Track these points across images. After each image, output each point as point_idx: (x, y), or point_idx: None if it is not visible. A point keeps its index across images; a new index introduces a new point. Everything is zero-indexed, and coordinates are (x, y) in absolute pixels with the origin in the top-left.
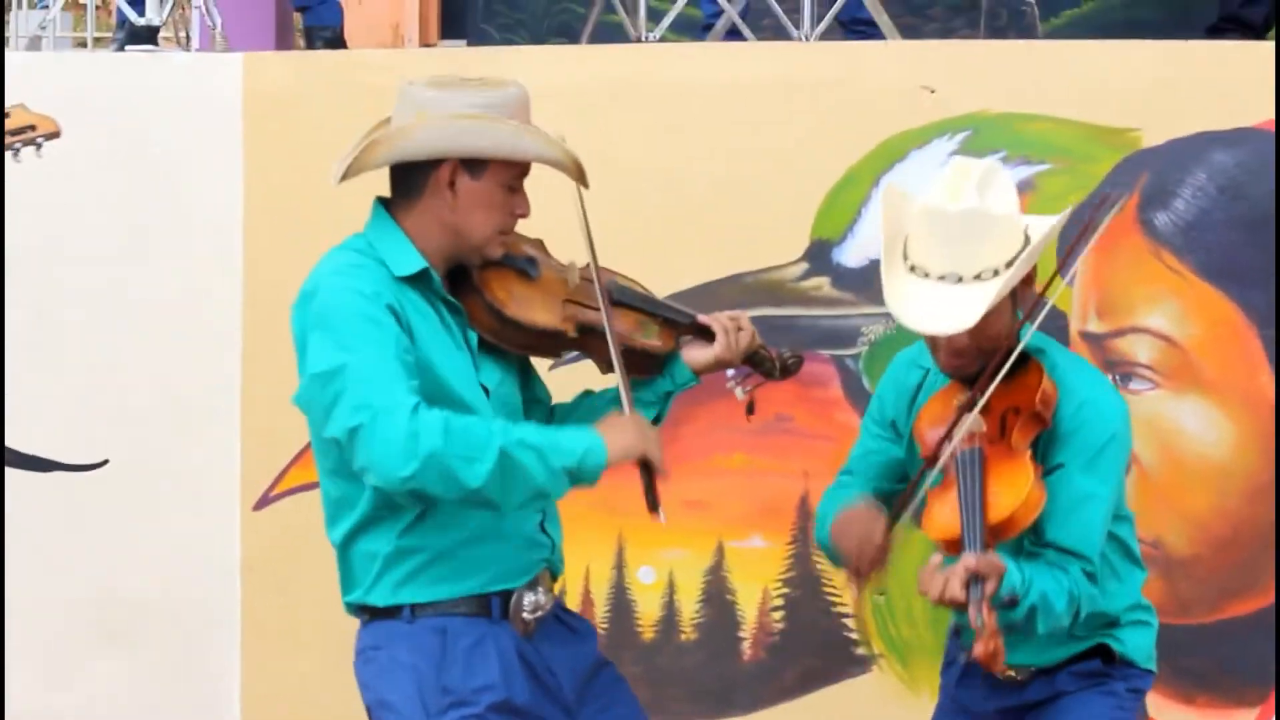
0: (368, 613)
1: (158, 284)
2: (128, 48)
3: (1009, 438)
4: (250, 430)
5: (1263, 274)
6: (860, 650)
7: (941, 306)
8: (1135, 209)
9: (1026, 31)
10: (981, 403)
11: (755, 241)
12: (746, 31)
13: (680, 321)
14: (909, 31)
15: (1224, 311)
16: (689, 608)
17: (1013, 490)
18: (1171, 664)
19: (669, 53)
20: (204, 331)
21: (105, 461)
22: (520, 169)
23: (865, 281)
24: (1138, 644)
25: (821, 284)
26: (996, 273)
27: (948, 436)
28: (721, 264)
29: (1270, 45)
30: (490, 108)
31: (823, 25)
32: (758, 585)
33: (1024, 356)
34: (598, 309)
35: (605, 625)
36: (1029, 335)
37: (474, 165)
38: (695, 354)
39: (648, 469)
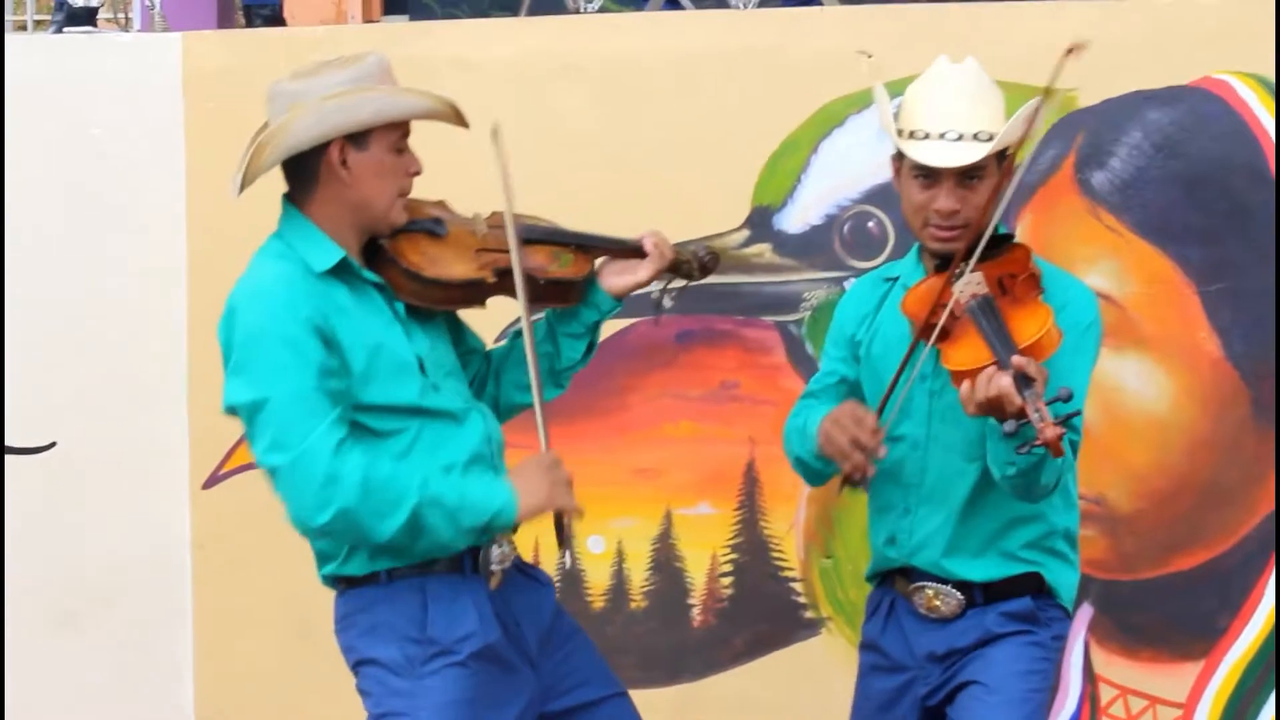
0: (344, 582)
1: (102, 265)
2: (66, 29)
3: (1013, 294)
4: (198, 408)
5: (1199, 230)
6: (809, 614)
7: (951, 152)
8: (1072, 168)
9: None
10: (972, 266)
11: (696, 210)
12: (685, 1)
13: (607, 245)
14: None
15: (1162, 269)
16: (638, 576)
17: (1034, 321)
18: (1116, 619)
19: (607, 23)
20: (149, 311)
21: (53, 444)
22: (403, 130)
23: (807, 247)
24: (1065, 582)
25: (763, 250)
26: (991, 137)
27: (940, 299)
28: (663, 232)
29: (1205, 3)
30: (355, 81)
31: None
32: (706, 552)
33: (1008, 239)
34: (507, 251)
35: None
36: (1001, 206)
37: (358, 139)
38: (616, 279)
39: (559, 518)
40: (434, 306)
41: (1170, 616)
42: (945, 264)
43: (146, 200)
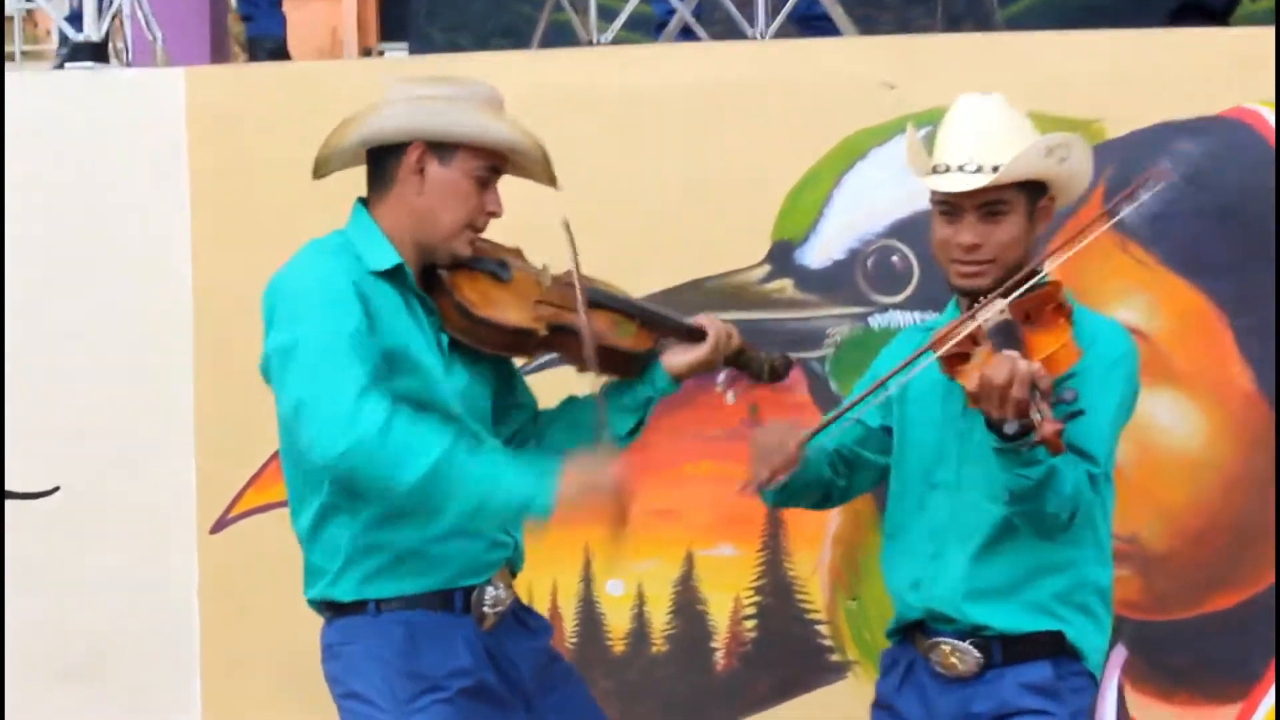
0: (331, 609)
1: (107, 304)
2: (68, 65)
3: (1035, 321)
4: (205, 452)
5: (1230, 263)
6: (834, 657)
7: (959, 181)
8: (1100, 201)
9: (984, 19)
10: (1011, 299)
11: (716, 246)
12: (700, 30)
13: (667, 324)
14: (864, 23)
15: (1193, 302)
16: (659, 619)
17: (1050, 337)
18: (1150, 661)
19: (621, 56)
20: (154, 352)
21: (56, 488)
22: (490, 162)
23: (829, 282)
24: (1093, 645)
25: (785, 286)
26: None
27: (968, 320)
28: (682, 270)
29: (1232, 31)
30: (465, 98)
31: (777, 22)
32: (729, 594)
33: (1048, 279)
34: (571, 309)
35: (574, 640)
36: (1053, 266)
37: (443, 152)
38: (676, 358)
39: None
40: (477, 346)
41: (1206, 658)
42: (978, 302)
43: (151, 239)
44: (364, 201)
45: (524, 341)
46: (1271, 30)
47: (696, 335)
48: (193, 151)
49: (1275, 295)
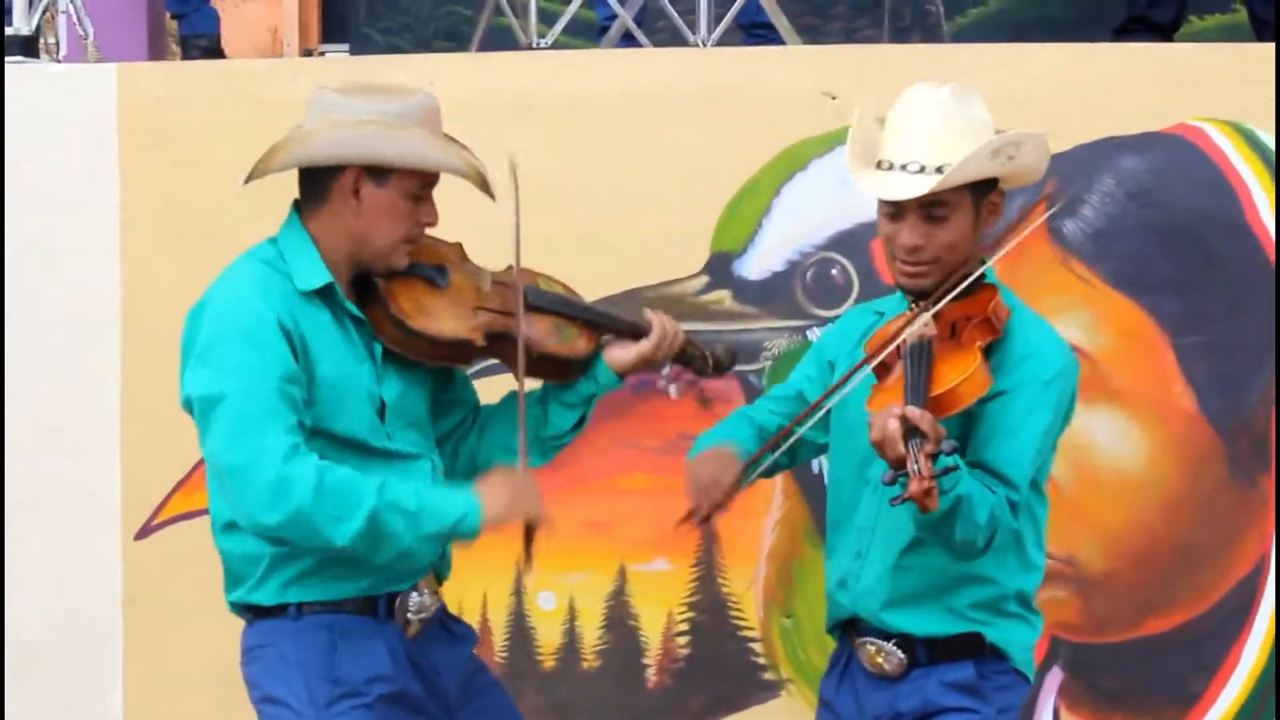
0: (252, 612)
1: (31, 305)
2: None
3: (958, 338)
4: (130, 456)
5: (1173, 281)
6: (768, 675)
7: (900, 183)
8: (1043, 213)
9: (931, 31)
10: (937, 308)
11: (653, 255)
12: (641, 37)
13: (611, 324)
14: (810, 32)
15: (1135, 321)
16: (591, 634)
17: (957, 369)
18: (1087, 683)
19: (561, 60)
20: (81, 354)
21: None
22: (426, 178)
23: (767, 294)
24: (1017, 641)
25: (723, 298)
26: None
27: (893, 338)
28: (618, 279)
29: (1178, 47)
30: (397, 116)
31: (720, 29)
32: (662, 609)
33: (981, 281)
34: (509, 315)
35: (504, 654)
36: (992, 261)
37: (378, 173)
38: (619, 354)
39: (528, 530)
40: (414, 358)
41: (1144, 681)
42: (922, 300)
43: (78, 239)
44: (297, 206)
45: (461, 352)
46: (1217, 47)
47: (641, 332)
48: (123, 149)
49: (1275, 300)
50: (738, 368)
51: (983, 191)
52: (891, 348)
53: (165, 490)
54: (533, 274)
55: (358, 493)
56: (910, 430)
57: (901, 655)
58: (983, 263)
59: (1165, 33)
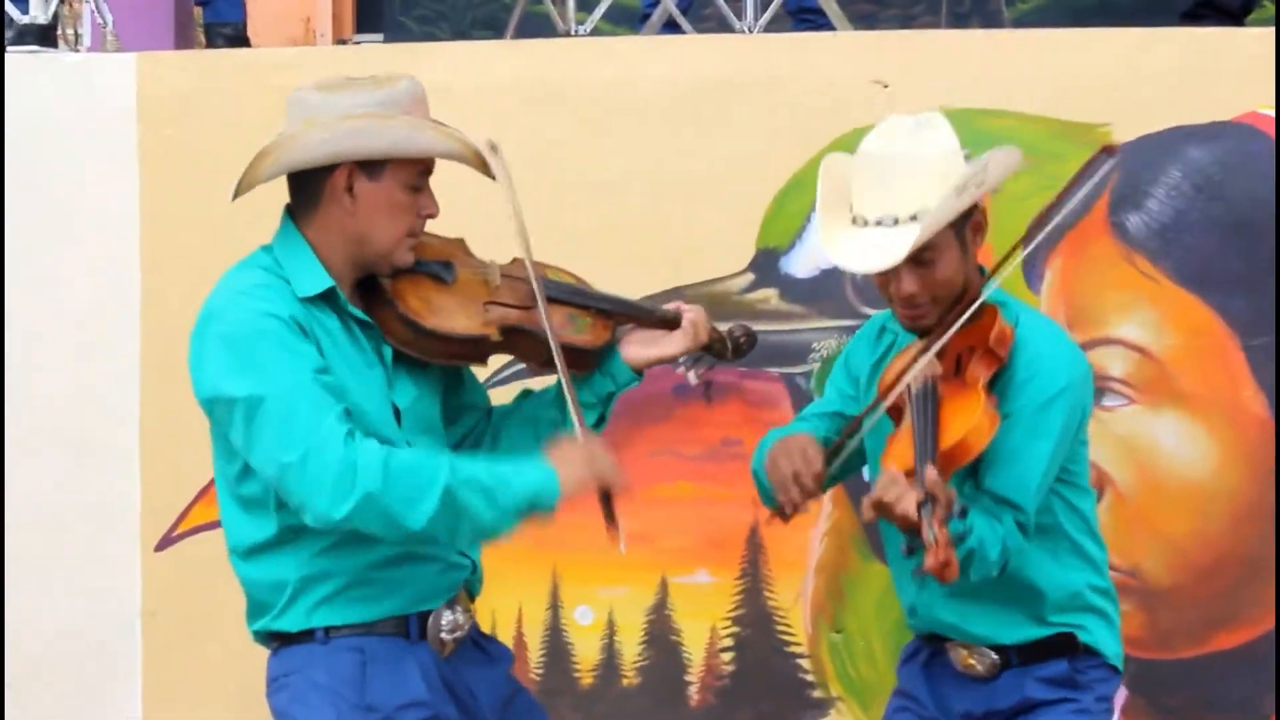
0: (278, 640)
1: (49, 307)
2: (12, 49)
3: (964, 374)
4: (150, 466)
5: (1243, 279)
6: (817, 693)
7: (873, 249)
8: (1105, 210)
9: (991, 18)
10: (937, 346)
11: (695, 252)
12: (685, 24)
13: (632, 313)
14: (865, 20)
15: (1203, 320)
16: (631, 650)
17: (964, 417)
18: (1151, 701)
19: (601, 48)
20: (99, 359)
21: None
22: (421, 167)
23: (816, 293)
24: (1107, 638)
25: (769, 296)
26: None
27: (901, 376)
28: (660, 277)
29: (1249, 32)
30: (381, 105)
31: (767, 15)
32: (705, 624)
33: (983, 305)
34: (522, 308)
35: (540, 671)
36: (990, 288)
37: (371, 167)
38: (641, 350)
39: (607, 496)
40: (428, 359)
41: (1210, 699)
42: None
43: (98, 235)
44: (290, 212)
45: (476, 349)
46: None
47: (668, 323)
48: (143, 142)
49: (1275, 300)
50: (785, 369)
51: (963, 220)
52: (898, 392)
53: (186, 500)
54: (540, 265)
55: (429, 471)
56: (927, 497)
57: (995, 656)
58: (985, 282)
59: (1236, 17)
